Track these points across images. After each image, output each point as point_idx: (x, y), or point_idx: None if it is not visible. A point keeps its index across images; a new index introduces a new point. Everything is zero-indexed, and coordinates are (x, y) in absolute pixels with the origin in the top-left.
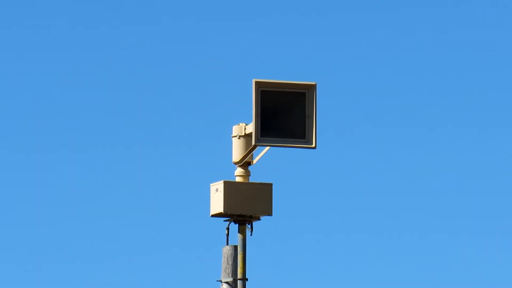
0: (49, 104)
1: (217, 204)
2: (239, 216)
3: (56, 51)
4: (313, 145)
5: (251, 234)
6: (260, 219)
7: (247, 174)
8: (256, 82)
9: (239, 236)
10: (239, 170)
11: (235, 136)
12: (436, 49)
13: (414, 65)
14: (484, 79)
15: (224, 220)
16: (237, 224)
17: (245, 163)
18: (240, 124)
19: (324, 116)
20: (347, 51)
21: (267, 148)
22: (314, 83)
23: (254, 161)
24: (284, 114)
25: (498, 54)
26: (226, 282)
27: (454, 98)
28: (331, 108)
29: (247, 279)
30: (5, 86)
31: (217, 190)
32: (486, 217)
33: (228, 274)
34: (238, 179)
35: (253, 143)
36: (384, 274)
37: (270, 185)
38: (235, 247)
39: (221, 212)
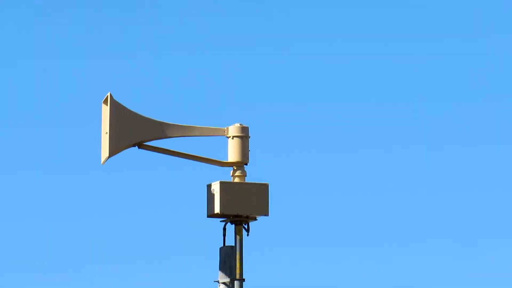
0: (48, 104)
1: (213, 204)
2: (235, 216)
3: None
4: (105, 158)
5: (247, 235)
6: (257, 219)
7: (243, 175)
8: (111, 95)
9: (236, 236)
10: (235, 171)
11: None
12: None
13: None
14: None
15: (221, 221)
16: (233, 225)
17: (241, 164)
18: (236, 124)
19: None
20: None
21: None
22: (107, 94)
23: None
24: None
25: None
26: (223, 283)
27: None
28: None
29: (244, 279)
30: None
31: (213, 190)
32: (486, 217)
33: (225, 274)
34: (234, 180)
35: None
36: (382, 274)
37: (267, 185)
38: (232, 248)
39: (218, 213)
